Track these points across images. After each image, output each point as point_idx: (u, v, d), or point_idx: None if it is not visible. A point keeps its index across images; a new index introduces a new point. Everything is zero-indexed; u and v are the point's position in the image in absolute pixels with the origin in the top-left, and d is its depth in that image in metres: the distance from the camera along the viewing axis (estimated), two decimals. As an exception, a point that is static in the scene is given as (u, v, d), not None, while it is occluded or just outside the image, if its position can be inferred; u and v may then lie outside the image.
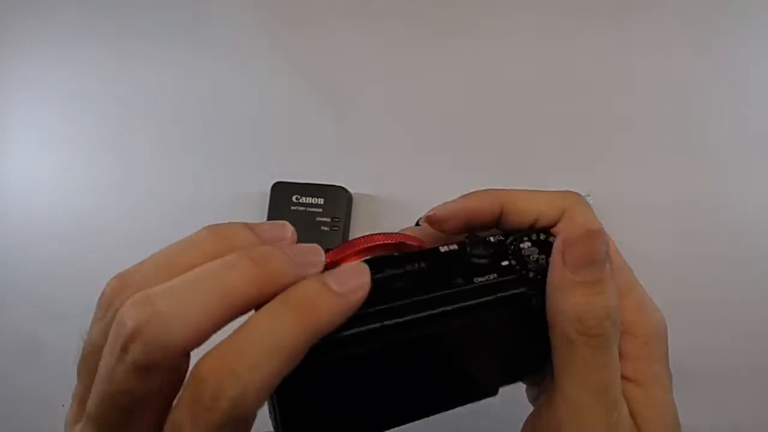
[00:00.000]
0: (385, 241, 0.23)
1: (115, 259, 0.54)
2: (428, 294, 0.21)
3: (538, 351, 0.24)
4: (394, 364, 0.22)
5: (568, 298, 0.21)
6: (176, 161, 0.53)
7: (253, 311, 0.19)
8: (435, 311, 0.21)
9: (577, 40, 0.53)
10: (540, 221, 0.25)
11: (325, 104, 0.54)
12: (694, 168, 0.50)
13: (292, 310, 0.18)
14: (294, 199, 0.48)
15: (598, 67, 0.53)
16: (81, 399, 0.20)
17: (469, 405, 0.25)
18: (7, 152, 0.55)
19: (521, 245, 0.23)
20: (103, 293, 0.20)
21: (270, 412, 0.21)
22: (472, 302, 0.21)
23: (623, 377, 0.23)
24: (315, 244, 0.21)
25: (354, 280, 0.19)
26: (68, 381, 0.52)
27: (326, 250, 0.22)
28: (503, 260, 0.23)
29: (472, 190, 0.26)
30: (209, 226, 0.20)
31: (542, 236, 0.24)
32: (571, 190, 0.26)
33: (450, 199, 0.27)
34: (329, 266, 0.21)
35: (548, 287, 0.22)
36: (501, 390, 0.25)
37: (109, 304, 0.20)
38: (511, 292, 0.22)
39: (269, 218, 0.48)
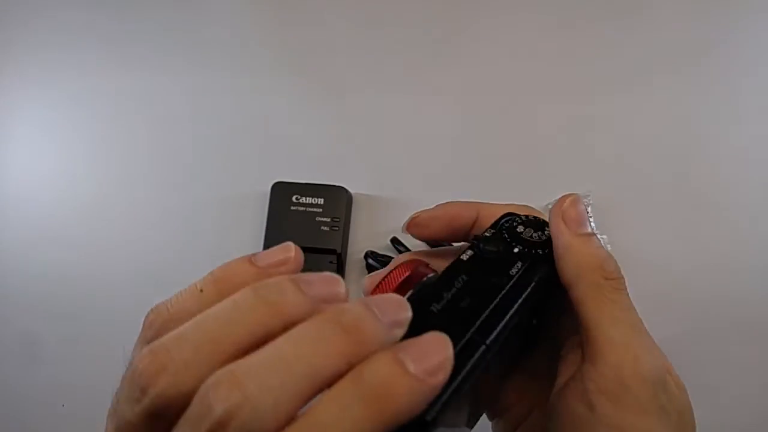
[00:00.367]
0: (408, 271, 0.25)
1: (116, 260, 0.54)
2: (491, 300, 0.22)
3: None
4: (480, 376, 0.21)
5: (583, 251, 0.24)
6: (176, 161, 0.53)
7: None
8: (511, 314, 0.22)
9: (577, 41, 0.53)
10: None
11: (325, 104, 0.54)
12: (694, 168, 0.50)
13: (365, 400, 0.16)
14: (294, 199, 0.48)
15: (598, 67, 0.53)
16: None
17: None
18: (7, 153, 0.55)
19: (517, 230, 0.26)
20: (134, 368, 0.17)
21: None
22: (528, 290, 0.23)
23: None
24: (395, 296, 0.18)
25: (435, 357, 0.17)
26: (68, 381, 0.53)
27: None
28: (513, 248, 0.25)
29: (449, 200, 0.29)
30: (255, 288, 0.18)
31: (524, 218, 0.27)
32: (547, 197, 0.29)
33: (446, 200, 0.29)
34: None
35: (559, 252, 0.25)
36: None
37: (146, 387, 0.16)
38: (542, 271, 0.25)
39: (269, 218, 0.48)
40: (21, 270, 0.52)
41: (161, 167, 0.53)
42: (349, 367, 0.16)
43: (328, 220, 0.48)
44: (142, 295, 0.53)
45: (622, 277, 0.24)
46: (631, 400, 0.22)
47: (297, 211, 0.48)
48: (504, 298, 0.23)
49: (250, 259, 0.20)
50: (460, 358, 0.19)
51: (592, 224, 0.25)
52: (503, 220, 0.27)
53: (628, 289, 0.24)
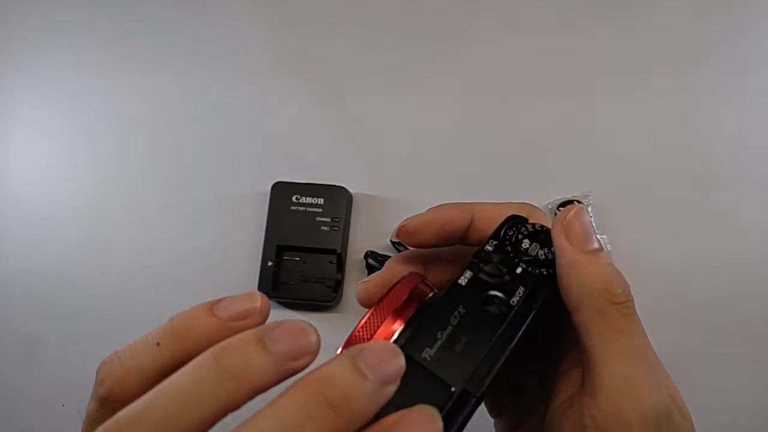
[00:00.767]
0: (403, 297, 0.23)
1: (116, 260, 0.54)
2: (487, 341, 0.21)
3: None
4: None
5: (588, 272, 0.22)
6: (176, 161, 0.53)
7: None
8: (505, 356, 0.21)
9: (577, 41, 0.53)
10: None
11: (325, 104, 0.54)
12: (694, 168, 0.50)
13: (329, 401, 0.16)
14: (294, 199, 0.48)
15: (598, 67, 0.53)
16: None
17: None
18: (8, 153, 0.55)
19: (521, 246, 0.24)
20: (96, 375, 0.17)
21: None
22: (524, 326, 0.22)
23: None
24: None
25: (391, 365, 0.17)
26: (68, 381, 0.53)
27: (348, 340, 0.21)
28: (516, 267, 0.23)
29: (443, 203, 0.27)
30: (216, 357, 0.17)
31: (529, 227, 0.25)
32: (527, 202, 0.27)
33: (447, 200, 0.27)
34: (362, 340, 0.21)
35: (562, 271, 0.23)
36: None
37: (95, 390, 0.18)
38: (541, 298, 0.23)
39: (269, 218, 0.48)
40: (21, 270, 0.52)
41: (161, 167, 0.53)
42: (229, 410, 0.16)
43: (328, 220, 0.48)
44: (142, 295, 0.53)
45: (631, 300, 0.22)
46: None
47: (297, 211, 0.48)
48: (502, 336, 0.21)
49: (212, 309, 0.18)
50: (451, 412, 0.19)
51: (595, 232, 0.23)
52: (507, 228, 0.25)
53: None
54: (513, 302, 0.22)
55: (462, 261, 0.25)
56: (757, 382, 0.46)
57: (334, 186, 0.49)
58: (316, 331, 0.18)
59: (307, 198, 0.48)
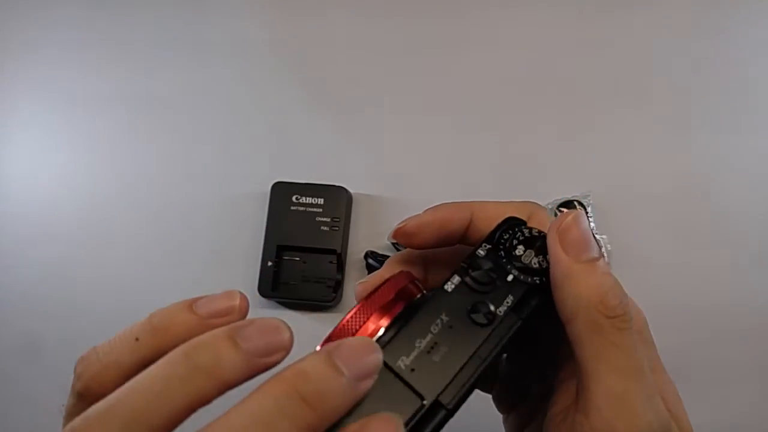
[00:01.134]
0: (387, 299, 0.23)
1: (116, 260, 0.54)
2: (466, 353, 0.21)
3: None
4: None
5: (582, 283, 0.21)
6: (176, 161, 0.53)
7: None
8: (482, 368, 0.21)
9: (578, 41, 0.53)
10: None
11: (325, 104, 0.54)
12: (695, 168, 0.50)
13: (304, 397, 0.16)
14: (294, 199, 0.48)
15: (599, 67, 0.53)
16: None
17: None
18: (8, 152, 0.55)
19: (515, 252, 0.23)
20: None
21: None
22: (506, 339, 0.21)
23: None
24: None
25: (366, 360, 0.17)
26: (68, 381, 0.52)
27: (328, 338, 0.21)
28: (507, 275, 0.23)
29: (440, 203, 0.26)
30: (186, 353, 0.17)
31: (526, 232, 0.24)
32: (532, 201, 0.27)
33: (447, 200, 0.27)
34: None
35: (557, 281, 0.22)
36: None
37: (73, 383, 0.18)
38: (530, 308, 0.22)
39: (269, 218, 0.48)
40: (21, 270, 0.52)
41: (161, 167, 0.53)
42: (200, 405, 0.16)
43: (328, 220, 0.48)
44: (142, 295, 0.53)
45: (627, 313, 0.21)
46: None
47: (297, 211, 0.48)
48: (482, 348, 0.21)
49: (191, 306, 0.19)
50: (420, 424, 0.19)
51: (596, 236, 0.23)
52: (502, 232, 0.24)
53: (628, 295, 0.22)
54: (500, 312, 0.22)
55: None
56: (757, 383, 0.46)
57: (334, 186, 0.49)
58: (288, 328, 0.18)
59: (307, 198, 0.48)
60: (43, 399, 0.49)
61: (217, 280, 0.49)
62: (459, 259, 0.23)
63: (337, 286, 0.48)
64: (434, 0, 0.55)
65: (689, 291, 0.48)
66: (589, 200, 0.49)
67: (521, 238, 0.23)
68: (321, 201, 0.48)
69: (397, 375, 0.20)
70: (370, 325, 0.22)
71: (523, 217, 0.25)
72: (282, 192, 0.49)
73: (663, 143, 0.51)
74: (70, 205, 0.53)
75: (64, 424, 0.18)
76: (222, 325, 0.18)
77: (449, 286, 0.22)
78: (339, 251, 0.47)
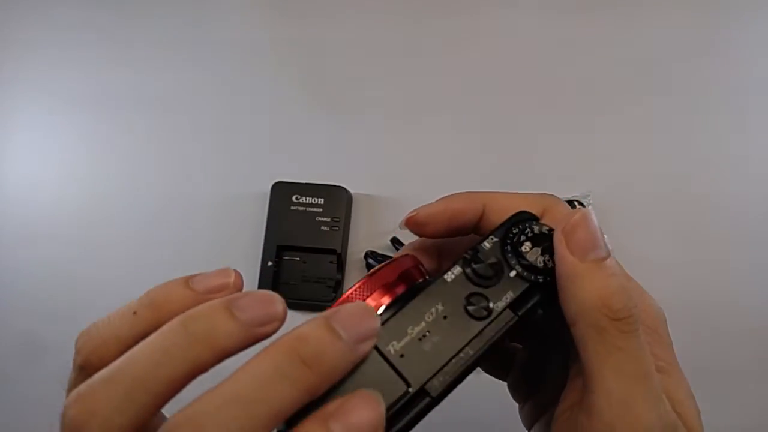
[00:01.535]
0: (389, 280, 0.23)
1: (116, 259, 0.54)
2: (458, 346, 0.21)
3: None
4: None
5: (587, 285, 0.21)
6: (176, 161, 0.53)
7: None
8: (471, 362, 0.21)
9: (578, 40, 0.53)
10: None
11: (325, 104, 0.54)
12: (695, 169, 0.50)
13: (303, 360, 0.17)
14: (294, 199, 0.48)
15: (598, 66, 0.53)
16: None
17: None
18: (8, 152, 0.55)
19: (521, 248, 0.23)
20: (64, 415, 0.18)
21: None
22: (499, 335, 0.21)
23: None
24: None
25: (364, 325, 0.18)
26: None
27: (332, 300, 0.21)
28: (510, 271, 0.22)
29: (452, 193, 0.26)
30: (183, 322, 0.17)
31: (536, 228, 0.23)
32: (548, 193, 0.26)
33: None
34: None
35: (562, 282, 0.21)
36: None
37: (74, 358, 0.19)
38: (529, 305, 0.22)
39: (269, 218, 0.48)
40: (21, 270, 0.52)
41: (161, 167, 0.53)
42: (197, 374, 0.17)
43: (328, 220, 0.48)
44: (142, 295, 0.53)
45: (633, 315, 0.20)
46: None
47: (297, 211, 0.48)
48: (473, 343, 0.21)
49: (188, 282, 0.19)
50: (403, 409, 0.19)
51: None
52: (512, 225, 0.23)
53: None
54: (497, 307, 0.21)
55: None
56: (757, 385, 0.46)
57: (334, 186, 0.49)
58: (282, 300, 0.18)
59: (307, 198, 0.48)
60: (43, 399, 0.49)
61: (217, 280, 0.49)
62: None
63: (337, 286, 0.48)
64: (434, 0, 0.55)
65: (689, 291, 0.48)
66: (589, 200, 0.49)
67: (530, 234, 0.23)
68: (321, 201, 0.48)
69: (385, 359, 0.20)
70: (371, 302, 0.22)
71: (538, 211, 0.25)
72: (282, 192, 0.49)
73: (663, 143, 0.51)
74: (70, 205, 0.53)
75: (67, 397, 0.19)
76: None
77: (449, 276, 0.22)
78: (339, 251, 0.47)
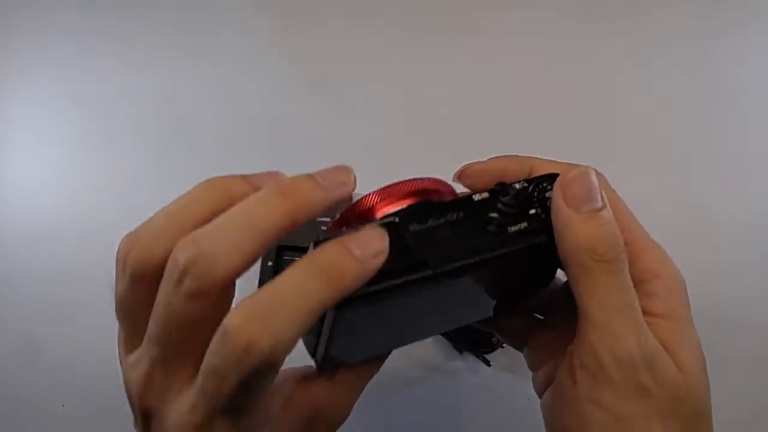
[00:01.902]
0: (425, 186, 0.26)
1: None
2: (468, 243, 0.23)
3: (540, 282, 0.28)
4: (427, 300, 0.24)
5: (577, 231, 0.23)
6: (176, 161, 0.53)
7: None
8: (473, 260, 0.23)
9: (577, 40, 0.53)
10: None
11: (325, 104, 0.54)
12: (696, 169, 0.50)
13: (318, 275, 0.20)
14: (294, 199, 0.48)
15: (598, 67, 0.53)
16: (127, 338, 0.23)
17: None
18: (8, 152, 0.55)
19: (546, 194, 0.25)
20: (118, 251, 0.22)
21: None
22: (506, 250, 0.24)
23: (654, 315, 0.25)
24: (344, 165, 0.23)
25: (374, 246, 0.21)
26: (68, 381, 0.53)
27: (358, 202, 0.25)
28: (530, 209, 0.25)
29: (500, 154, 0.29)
30: (209, 180, 0.22)
31: None
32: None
33: None
34: (369, 211, 0.25)
35: (556, 228, 0.24)
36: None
37: (124, 261, 0.22)
38: (538, 239, 0.24)
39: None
40: (21, 270, 0.52)
41: (162, 167, 0.53)
42: (294, 222, 0.21)
43: (328, 220, 0.48)
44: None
45: (617, 258, 0.23)
46: (605, 378, 0.23)
47: (297, 211, 0.48)
48: (481, 248, 0.23)
49: (314, 177, 0.23)
50: (405, 271, 0.22)
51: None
52: (543, 179, 0.26)
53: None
54: (510, 230, 0.24)
55: None
56: (757, 385, 0.46)
57: (334, 186, 0.49)
58: (353, 172, 0.23)
59: (307, 198, 0.48)
60: (43, 400, 0.49)
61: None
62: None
63: (337, 286, 0.47)
64: (436, 2, 0.55)
65: (691, 289, 0.48)
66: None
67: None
68: (321, 201, 0.48)
69: (402, 233, 0.23)
70: (395, 202, 0.25)
71: None
72: (282, 192, 0.49)
73: (664, 142, 0.51)
74: (70, 205, 0.53)
75: (117, 307, 0.23)
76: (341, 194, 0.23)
77: (476, 197, 0.25)
78: (339, 251, 0.47)
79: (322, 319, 0.23)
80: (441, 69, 0.54)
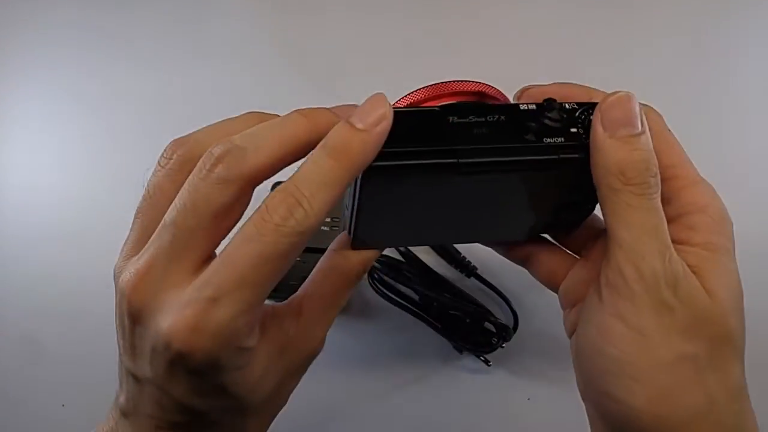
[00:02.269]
0: (470, 89, 0.27)
1: (116, 259, 0.54)
2: (501, 143, 0.24)
3: (576, 212, 0.29)
4: (454, 195, 0.26)
5: (609, 155, 0.24)
6: (176, 161, 0.53)
7: None
8: (500, 159, 0.24)
9: (576, 40, 0.53)
10: None
11: (325, 104, 0.54)
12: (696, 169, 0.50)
13: (328, 155, 0.22)
14: (294, 199, 0.48)
15: (598, 67, 0.53)
16: (135, 241, 0.26)
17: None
18: (8, 152, 0.55)
19: (591, 117, 0.26)
20: (164, 151, 0.26)
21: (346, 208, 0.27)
22: (536, 157, 0.24)
23: (691, 244, 0.26)
24: (379, 94, 0.24)
25: (375, 113, 0.23)
26: (68, 381, 0.53)
27: (410, 94, 0.26)
28: (572, 127, 0.25)
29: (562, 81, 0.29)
30: (300, 112, 0.24)
31: None
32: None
33: None
34: (417, 104, 0.26)
35: (591, 149, 0.25)
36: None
37: (171, 155, 0.25)
38: (571, 155, 0.25)
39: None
40: (21, 270, 0.52)
41: (161, 167, 0.53)
42: (311, 139, 0.23)
43: (328, 219, 0.48)
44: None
45: (646, 182, 0.24)
46: (628, 292, 0.24)
47: (297, 211, 0.48)
48: (513, 150, 0.24)
49: (350, 120, 0.24)
50: (432, 155, 0.23)
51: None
52: (593, 105, 0.26)
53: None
54: (544, 141, 0.25)
55: None
56: (757, 388, 0.46)
57: (334, 186, 0.49)
58: (386, 102, 0.24)
59: (307, 198, 0.48)
60: (43, 400, 0.49)
61: (217, 280, 0.49)
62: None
63: (337, 286, 0.47)
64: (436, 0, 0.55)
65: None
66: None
67: None
68: (321, 201, 0.48)
69: (439, 121, 0.24)
70: (445, 95, 0.26)
71: None
72: (282, 192, 0.49)
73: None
74: (70, 205, 0.53)
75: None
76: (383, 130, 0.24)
77: (523, 106, 0.25)
78: (339, 251, 0.47)
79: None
80: (443, 70, 0.53)
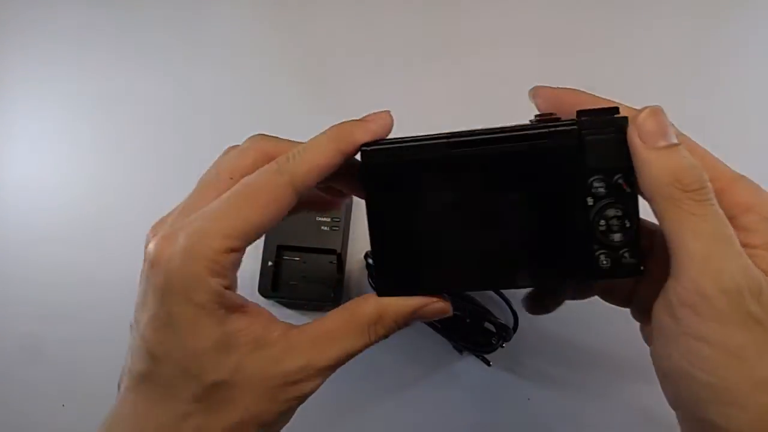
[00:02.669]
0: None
1: (116, 260, 0.54)
2: (499, 132, 0.28)
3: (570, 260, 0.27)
4: (457, 199, 0.28)
5: (659, 164, 0.23)
6: (176, 161, 0.53)
7: None
8: (492, 136, 0.27)
9: (576, 42, 0.53)
10: None
11: (325, 104, 0.54)
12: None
13: (329, 135, 0.29)
14: (294, 199, 0.48)
15: (598, 68, 0.53)
16: (187, 208, 0.33)
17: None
18: (8, 152, 0.55)
19: (584, 119, 0.26)
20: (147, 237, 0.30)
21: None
22: (526, 132, 0.26)
23: (753, 246, 0.24)
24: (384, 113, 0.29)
25: (380, 117, 0.28)
26: (68, 381, 0.52)
27: None
28: (568, 126, 0.26)
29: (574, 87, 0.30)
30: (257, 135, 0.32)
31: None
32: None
33: None
34: None
35: (637, 167, 0.24)
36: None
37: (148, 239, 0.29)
38: (563, 128, 0.26)
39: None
40: (22, 271, 0.52)
41: (162, 167, 0.53)
42: (347, 149, 0.28)
43: (328, 220, 0.48)
44: (142, 295, 0.52)
45: (705, 187, 0.23)
46: (710, 311, 0.22)
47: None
48: (502, 128, 0.27)
49: (363, 123, 0.28)
50: (424, 139, 0.29)
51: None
52: (596, 111, 0.27)
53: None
54: (539, 124, 0.27)
55: None
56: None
57: (334, 186, 0.49)
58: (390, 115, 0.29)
59: (307, 198, 0.48)
60: (43, 400, 0.49)
61: (217, 280, 0.49)
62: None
63: (338, 286, 0.48)
64: (436, 1, 0.55)
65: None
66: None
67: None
68: (321, 201, 0.48)
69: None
70: None
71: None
72: (282, 192, 0.49)
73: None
74: (70, 206, 0.53)
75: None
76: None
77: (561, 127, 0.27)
78: (339, 251, 0.47)
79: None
80: (443, 69, 0.53)
